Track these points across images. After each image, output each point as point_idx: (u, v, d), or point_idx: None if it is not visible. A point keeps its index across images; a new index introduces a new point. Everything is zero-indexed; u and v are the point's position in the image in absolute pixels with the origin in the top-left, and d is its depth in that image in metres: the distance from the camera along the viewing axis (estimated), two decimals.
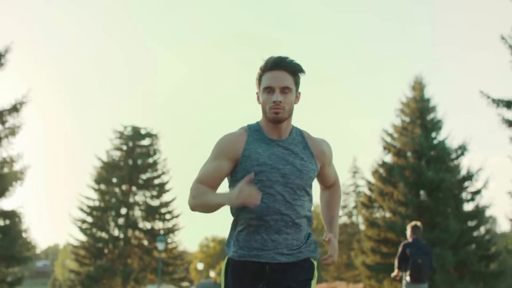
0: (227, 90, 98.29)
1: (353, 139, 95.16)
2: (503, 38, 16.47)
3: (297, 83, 3.19)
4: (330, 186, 3.49)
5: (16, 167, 17.70)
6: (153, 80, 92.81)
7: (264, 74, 3.16)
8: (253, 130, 3.23)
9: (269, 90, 3.13)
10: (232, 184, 3.21)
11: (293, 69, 3.15)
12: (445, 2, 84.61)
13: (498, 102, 16.93)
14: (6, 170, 17.36)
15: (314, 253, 3.21)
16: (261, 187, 3.09)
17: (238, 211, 3.17)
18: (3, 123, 17.34)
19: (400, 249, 9.90)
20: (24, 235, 18.84)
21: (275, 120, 3.14)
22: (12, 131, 17.54)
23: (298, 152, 3.19)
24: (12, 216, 17.98)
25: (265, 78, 3.15)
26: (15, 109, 17.47)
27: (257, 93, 3.23)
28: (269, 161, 3.13)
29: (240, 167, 3.15)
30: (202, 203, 3.07)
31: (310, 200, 3.23)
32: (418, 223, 10.08)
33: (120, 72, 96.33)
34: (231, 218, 3.24)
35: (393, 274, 9.79)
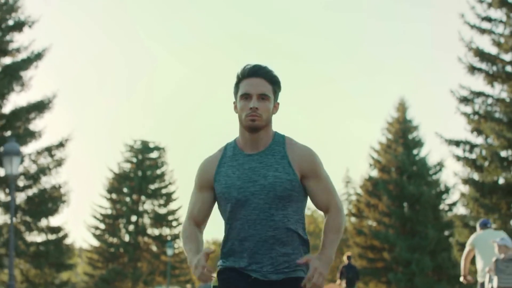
0: (228, 93, 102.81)
1: (352, 141, 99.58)
2: (451, 91, 21.40)
3: (275, 93, 3.16)
4: (325, 209, 3.20)
5: (62, 191, 22.84)
6: (153, 83, 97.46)
7: (241, 82, 3.14)
8: (229, 148, 3.21)
9: (246, 96, 3.10)
10: (218, 204, 3.26)
11: (272, 78, 3.14)
12: (446, 4, 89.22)
13: (449, 142, 21.88)
14: (55, 194, 22.42)
15: (302, 271, 3.16)
16: (234, 209, 3.12)
17: (225, 234, 3.22)
18: (51, 156, 22.47)
19: (340, 268, 17.57)
20: (70, 246, 23.88)
21: (252, 127, 3.09)
22: (59, 163, 22.62)
23: (272, 163, 3.12)
24: (59, 230, 23.16)
25: (242, 85, 3.12)
26: (61, 145, 22.59)
27: (234, 102, 3.20)
28: (237, 181, 3.11)
29: (215, 191, 3.19)
30: (183, 247, 3.21)
31: (296, 212, 3.14)
32: (350, 253, 18.06)
33: (119, 74, 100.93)
34: None
35: (337, 282, 17.38)
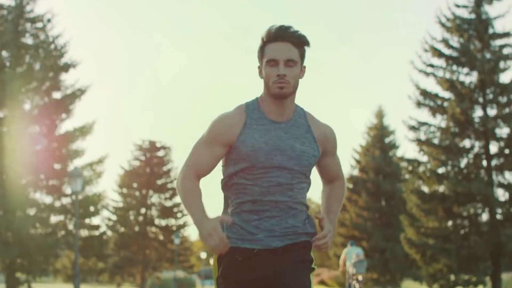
0: (231, 82, 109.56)
1: (351, 129, 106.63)
2: (403, 121, 29.15)
3: (302, 56, 3.22)
4: (332, 180, 3.50)
5: (100, 197, 30.83)
6: (155, 74, 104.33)
7: (266, 46, 3.19)
8: (251, 110, 3.27)
9: (272, 63, 3.15)
10: (225, 163, 3.32)
11: (299, 41, 3.19)
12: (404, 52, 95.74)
13: (401, 159, 29.75)
14: (95, 200, 30.44)
15: (311, 230, 3.30)
16: (256, 173, 3.19)
17: (230, 194, 3.30)
18: (93, 170, 30.32)
19: None
20: (108, 240, 32.09)
21: (280, 95, 3.17)
22: (99, 175, 30.54)
23: (299, 136, 3.24)
24: (98, 228, 31.30)
25: (268, 50, 3.17)
26: (100, 161, 30.51)
27: (258, 67, 3.25)
28: (265, 147, 3.18)
29: (234, 151, 3.23)
30: (183, 200, 3.22)
31: (308, 186, 3.33)
32: None
33: (121, 65, 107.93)
34: None
35: None
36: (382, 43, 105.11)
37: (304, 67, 3.26)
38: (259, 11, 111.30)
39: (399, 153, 43.01)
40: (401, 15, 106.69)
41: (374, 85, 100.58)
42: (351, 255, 20.07)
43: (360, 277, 19.56)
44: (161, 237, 50.53)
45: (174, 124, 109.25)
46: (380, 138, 44.27)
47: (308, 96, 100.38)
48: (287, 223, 3.23)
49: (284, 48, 3.15)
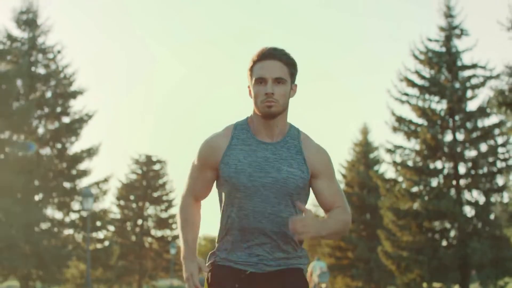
0: (228, 92, 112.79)
1: (340, 144, 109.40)
2: (380, 144, 33.06)
3: (292, 75, 3.24)
4: (330, 210, 3.38)
5: (106, 213, 34.68)
6: (152, 82, 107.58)
7: (255, 64, 3.22)
8: (239, 130, 3.28)
9: (261, 81, 3.17)
10: (217, 187, 3.35)
11: (288, 60, 3.21)
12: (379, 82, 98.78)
13: (379, 178, 33.75)
14: (102, 216, 34.17)
15: (301, 265, 3.33)
16: (240, 197, 3.20)
17: (222, 218, 3.31)
18: (99, 188, 34.05)
19: None
20: (114, 252, 36.10)
21: (268, 114, 3.18)
22: (104, 193, 34.29)
23: (287, 157, 3.21)
24: (104, 240, 35.26)
25: (257, 69, 3.20)
26: (105, 180, 34.27)
27: (248, 86, 3.26)
28: (248, 168, 3.17)
29: (220, 174, 3.26)
30: (179, 229, 3.35)
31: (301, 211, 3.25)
32: None
33: (117, 72, 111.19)
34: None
35: None
36: (384, 52, 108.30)
37: (295, 85, 3.30)
38: (256, 20, 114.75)
39: (380, 171, 46.54)
40: (402, 15, 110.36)
41: (362, 102, 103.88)
42: (316, 268, 24.49)
43: (323, 285, 24.04)
44: (157, 247, 53.76)
45: (170, 138, 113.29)
46: (364, 154, 48.06)
47: (310, 105, 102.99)
48: (277, 251, 3.25)
49: (272, 66, 3.19)
